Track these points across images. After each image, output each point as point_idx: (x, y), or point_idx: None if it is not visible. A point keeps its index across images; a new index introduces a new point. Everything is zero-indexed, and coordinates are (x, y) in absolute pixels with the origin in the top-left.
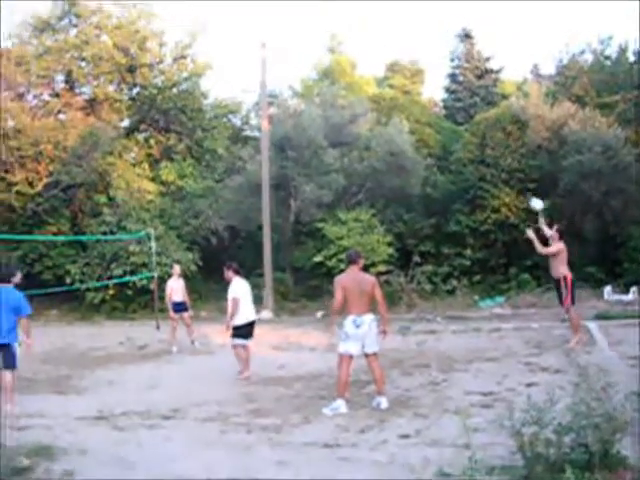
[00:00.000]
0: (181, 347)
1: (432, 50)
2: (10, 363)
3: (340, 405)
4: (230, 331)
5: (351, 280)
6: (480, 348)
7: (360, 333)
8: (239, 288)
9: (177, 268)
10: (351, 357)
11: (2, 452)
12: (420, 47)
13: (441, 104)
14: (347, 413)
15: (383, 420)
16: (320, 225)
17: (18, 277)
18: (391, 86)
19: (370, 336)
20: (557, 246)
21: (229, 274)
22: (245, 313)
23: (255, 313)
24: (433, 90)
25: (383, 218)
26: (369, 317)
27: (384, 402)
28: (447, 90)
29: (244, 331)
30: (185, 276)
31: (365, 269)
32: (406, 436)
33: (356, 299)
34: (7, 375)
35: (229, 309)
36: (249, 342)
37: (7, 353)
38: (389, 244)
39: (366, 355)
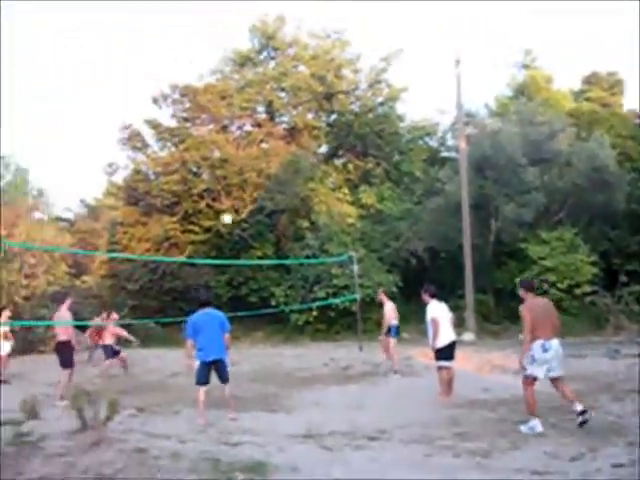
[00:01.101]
0: (387, 369)
1: (631, 59)
2: (226, 377)
3: (536, 424)
4: (434, 353)
5: (538, 306)
6: None
7: (547, 357)
8: (436, 309)
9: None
10: (535, 380)
11: (218, 467)
12: (618, 57)
13: None
14: (555, 440)
15: (594, 448)
16: (522, 245)
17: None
18: (589, 99)
19: (556, 360)
20: None
21: (426, 297)
22: (446, 334)
23: (454, 334)
24: (635, 101)
25: (586, 236)
26: (556, 342)
27: (581, 409)
28: None
29: (447, 352)
30: (386, 298)
31: (569, 290)
32: (620, 465)
33: (543, 324)
34: (227, 389)
35: (430, 331)
36: (452, 363)
37: (222, 368)
38: (593, 263)
39: (552, 379)
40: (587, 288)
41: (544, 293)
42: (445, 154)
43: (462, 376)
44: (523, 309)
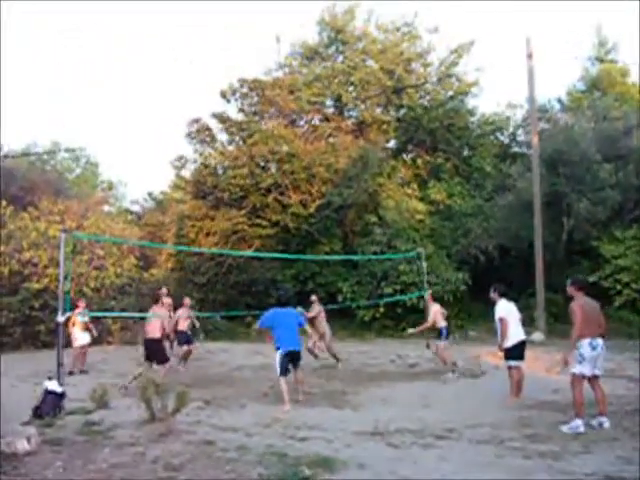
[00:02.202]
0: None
1: None
2: (299, 364)
3: (579, 425)
4: (503, 352)
5: (586, 305)
6: None
7: (595, 355)
8: (504, 308)
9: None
10: (584, 378)
11: (285, 461)
12: None
13: None
14: (628, 444)
15: None
16: (595, 243)
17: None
18: None
19: (601, 359)
20: None
21: (494, 296)
22: (515, 333)
23: (523, 333)
24: None
25: None
26: (601, 340)
27: (606, 422)
28: None
29: (516, 352)
30: (454, 296)
31: None
32: None
33: (591, 323)
34: (300, 374)
35: (499, 330)
36: (522, 363)
37: (297, 358)
38: None
39: (592, 377)
40: None
41: (618, 293)
42: (516, 149)
43: (532, 377)
44: (574, 306)
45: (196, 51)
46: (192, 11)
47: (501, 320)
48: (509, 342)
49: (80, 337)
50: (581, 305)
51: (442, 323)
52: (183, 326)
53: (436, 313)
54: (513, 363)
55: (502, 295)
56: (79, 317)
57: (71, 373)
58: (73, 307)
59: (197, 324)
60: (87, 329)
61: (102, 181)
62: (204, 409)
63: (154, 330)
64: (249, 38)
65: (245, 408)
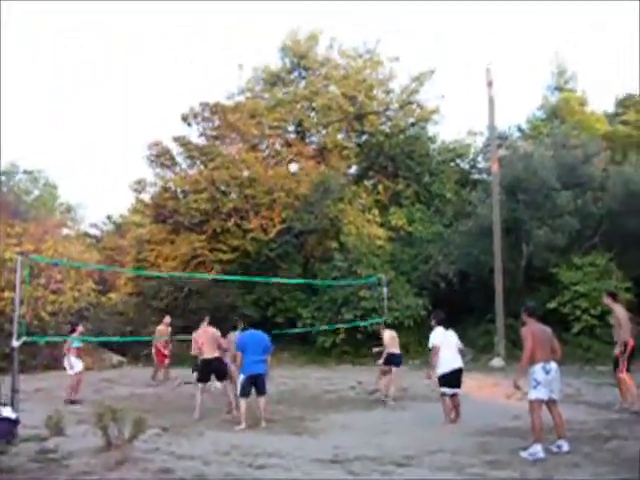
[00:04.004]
0: (415, 393)
1: None
2: (263, 391)
3: (538, 450)
4: (435, 380)
5: (538, 330)
6: None
7: (549, 378)
8: (437, 336)
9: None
10: (542, 403)
11: None
12: None
13: None
14: (589, 470)
15: None
16: (554, 270)
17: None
18: (624, 122)
19: (557, 383)
20: None
21: (432, 323)
22: (449, 361)
23: (460, 361)
24: None
25: (620, 262)
26: (555, 365)
27: (565, 446)
28: None
29: (449, 379)
30: (415, 321)
31: (601, 317)
32: None
33: (543, 348)
34: (262, 401)
35: (431, 358)
36: (455, 391)
37: (261, 382)
38: (627, 290)
39: (549, 401)
40: None
41: (577, 319)
42: (477, 176)
43: (492, 403)
44: (525, 331)
45: (157, 73)
46: (154, 33)
47: (433, 348)
48: (442, 369)
49: (76, 364)
50: (532, 330)
51: (394, 350)
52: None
53: (388, 339)
54: (444, 390)
55: (439, 323)
56: (75, 342)
57: (73, 402)
58: (71, 330)
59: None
60: (79, 355)
61: (61, 203)
62: (162, 436)
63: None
64: (211, 62)
65: (203, 435)
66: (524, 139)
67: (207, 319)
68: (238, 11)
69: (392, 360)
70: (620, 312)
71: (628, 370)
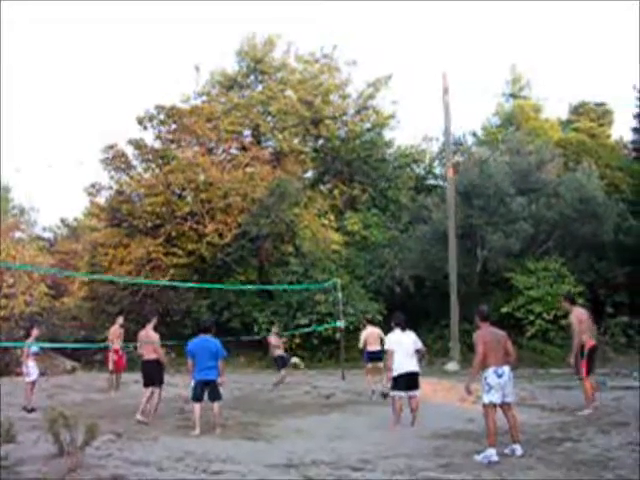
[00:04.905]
0: (367, 397)
1: (619, 89)
2: (216, 396)
3: (492, 454)
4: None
5: (489, 334)
6: None
7: (502, 382)
8: (393, 339)
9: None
10: (495, 406)
11: None
12: (606, 86)
13: (630, 146)
14: (542, 473)
15: None
16: (508, 275)
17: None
18: (577, 129)
19: (509, 386)
20: None
21: (392, 324)
22: (401, 364)
23: (414, 365)
24: (622, 131)
25: (573, 267)
26: (507, 368)
27: (519, 449)
28: (636, 131)
29: (400, 383)
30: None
31: (555, 320)
32: None
33: (495, 352)
34: (215, 406)
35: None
36: (414, 393)
37: (213, 388)
38: (580, 294)
39: (503, 404)
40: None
41: (530, 324)
42: (432, 182)
43: (446, 406)
44: (476, 336)
45: (113, 75)
46: (110, 35)
47: (386, 351)
48: (394, 372)
49: (33, 371)
50: (484, 335)
51: (367, 347)
52: (280, 351)
53: (363, 336)
54: (394, 393)
55: (397, 325)
56: (33, 347)
57: (32, 410)
58: (27, 335)
59: None
60: (35, 361)
61: (13, 206)
62: (115, 442)
63: (151, 351)
64: (168, 65)
65: (157, 441)
66: (479, 145)
67: (154, 320)
68: (195, 14)
69: (371, 357)
70: (575, 316)
71: (590, 372)
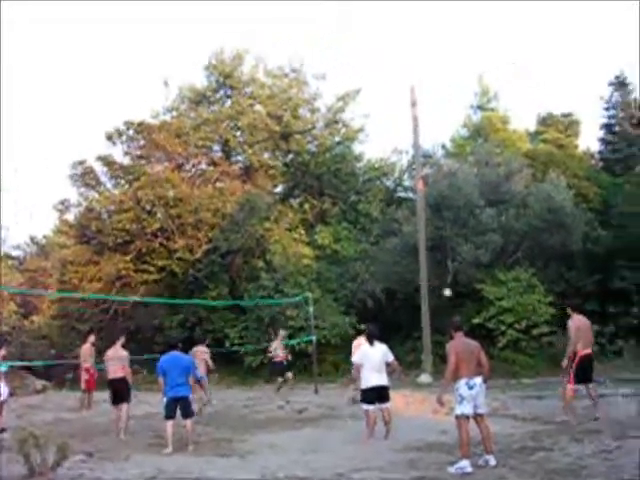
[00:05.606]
0: (341, 411)
1: (585, 100)
2: (189, 413)
3: (466, 465)
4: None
5: (461, 345)
6: None
7: (473, 394)
8: (358, 353)
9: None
10: (468, 418)
11: None
12: (573, 98)
13: (598, 156)
14: None
15: None
16: (479, 286)
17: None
18: (545, 140)
19: (480, 397)
20: None
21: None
22: (368, 378)
23: (383, 378)
24: (589, 142)
25: (543, 277)
26: (479, 379)
27: (492, 460)
28: (603, 141)
29: (368, 396)
30: (342, 339)
31: (526, 330)
32: None
33: (467, 363)
34: (188, 423)
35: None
36: (384, 406)
37: (185, 405)
38: (550, 304)
39: (476, 415)
40: (544, 328)
41: (502, 334)
42: (402, 194)
43: (420, 418)
44: (449, 347)
45: (82, 90)
46: (78, 50)
47: (354, 365)
48: (362, 386)
49: (3, 391)
50: (456, 345)
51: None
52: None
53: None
54: (363, 407)
55: (368, 337)
56: (2, 367)
57: (2, 431)
58: None
59: None
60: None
61: None
62: (87, 462)
63: (119, 370)
64: (136, 80)
65: (129, 460)
66: (448, 157)
67: (122, 339)
68: (163, 29)
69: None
70: (573, 322)
71: (583, 381)
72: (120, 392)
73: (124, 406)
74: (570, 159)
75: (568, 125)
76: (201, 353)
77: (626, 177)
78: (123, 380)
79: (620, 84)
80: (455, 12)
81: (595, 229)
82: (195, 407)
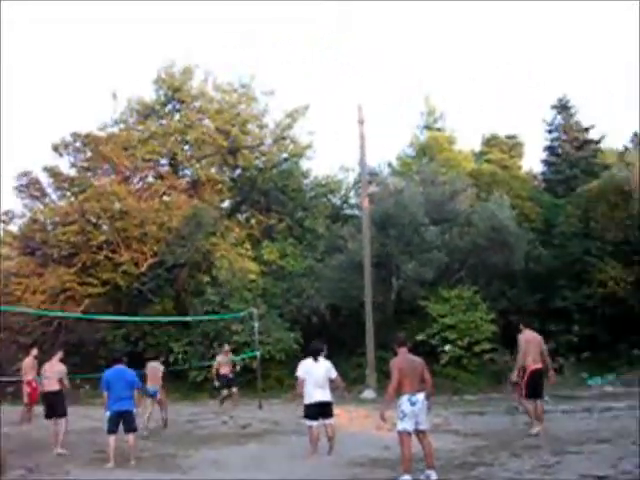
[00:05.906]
0: (285, 427)
1: (529, 122)
2: (132, 427)
3: None
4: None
5: (405, 362)
6: (592, 429)
7: (416, 410)
8: (302, 368)
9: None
10: (409, 434)
11: None
12: (516, 119)
13: (540, 177)
14: None
15: None
16: (422, 303)
17: None
18: (489, 161)
19: (423, 414)
20: None
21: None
22: (310, 394)
23: (326, 394)
24: (532, 163)
25: (486, 295)
26: (421, 395)
27: (433, 475)
28: (546, 163)
29: (310, 412)
30: (287, 355)
31: (468, 347)
32: None
33: (410, 379)
34: (130, 438)
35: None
36: (328, 422)
37: (129, 419)
38: (492, 321)
39: (419, 432)
40: (486, 345)
41: (444, 351)
42: (348, 212)
43: (363, 434)
44: (392, 363)
45: (28, 100)
46: (25, 59)
47: (297, 380)
48: (305, 401)
49: None
50: (400, 362)
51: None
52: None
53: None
54: (305, 422)
55: (312, 353)
56: None
57: None
58: None
59: None
60: None
61: None
62: (26, 477)
63: (54, 383)
64: (84, 91)
65: (70, 475)
66: (394, 176)
67: (60, 353)
68: (112, 39)
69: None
70: (523, 338)
71: (533, 396)
72: (54, 405)
73: (62, 420)
74: (514, 179)
75: (512, 146)
76: (156, 370)
77: (567, 198)
78: (58, 393)
79: (563, 107)
80: (403, 32)
81: (537, 248)
82: (139, 422)
